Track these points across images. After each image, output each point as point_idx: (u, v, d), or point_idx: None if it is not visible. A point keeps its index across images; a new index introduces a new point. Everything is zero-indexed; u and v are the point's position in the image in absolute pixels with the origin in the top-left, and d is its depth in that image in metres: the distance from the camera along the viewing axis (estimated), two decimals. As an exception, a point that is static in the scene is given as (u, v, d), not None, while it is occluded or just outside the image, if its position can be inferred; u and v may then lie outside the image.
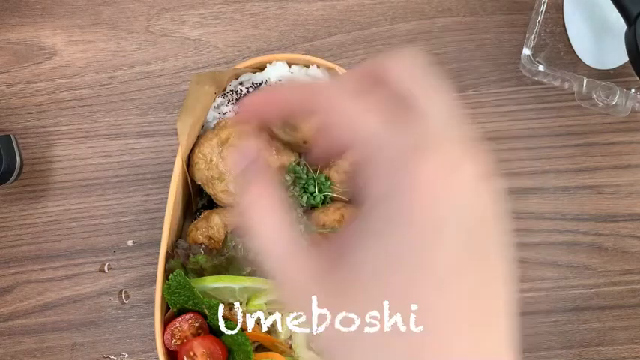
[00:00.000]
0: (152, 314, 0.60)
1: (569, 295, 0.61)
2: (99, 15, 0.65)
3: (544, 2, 0.60)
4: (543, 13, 0.60)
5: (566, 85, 0.60)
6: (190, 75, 0.64)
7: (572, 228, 0.62)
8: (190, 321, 0.50)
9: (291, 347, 0.50)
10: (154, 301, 0.60)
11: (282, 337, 0.50)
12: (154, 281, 0.60)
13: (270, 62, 0.54)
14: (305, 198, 0.52)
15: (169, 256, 0.52)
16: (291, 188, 0.53)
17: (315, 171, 0.54)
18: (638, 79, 0.57)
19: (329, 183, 0.53)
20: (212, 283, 0.50)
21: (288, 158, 0.54)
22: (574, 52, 0.62)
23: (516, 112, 0.63)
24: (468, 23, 0.64)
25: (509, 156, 0.62)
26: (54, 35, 0.64)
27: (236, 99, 0.55)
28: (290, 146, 0.53)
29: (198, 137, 0.55)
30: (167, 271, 0.51)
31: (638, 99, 0.58)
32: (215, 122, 0.55)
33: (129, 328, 0.61)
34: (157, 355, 0.51)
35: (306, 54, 0.63)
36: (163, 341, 0.50)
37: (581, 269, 0.61)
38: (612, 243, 0.61)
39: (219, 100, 0.55)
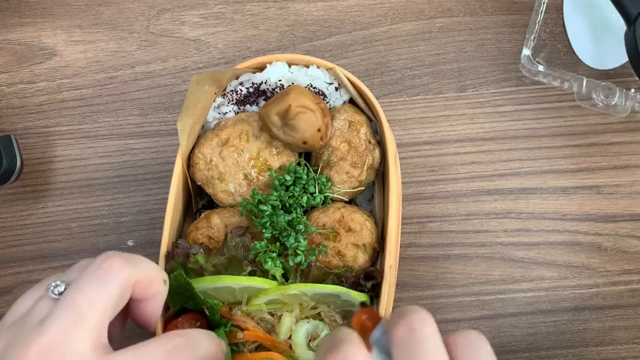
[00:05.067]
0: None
1: (569, 295, 0.61)
2: (99, 15, 0.65)
3: (544, 2, 0.60)
4: (543, 13, 0.60)
5: (566, 85, 0.60)
6: (190, 75, 0.64)
7: (572, 228, 0.62)
8: (191, 321, 0.50)
9: (291, 347, 0.50)
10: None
11: (282, 337, 0.50)
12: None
13: (270, 62, 0.54)
14: (305, 198, 0.52)
15: (169, 256, 0.52)
16: (292, 188, 0.53)
17: (315, 171, 0.54)
18: (637, 79, 0.57)
19: (329, 184, 0.53)
20: (212, 283, 0.50)
21: (289, 158, 0.54)
22: (574, 52, 0.62)
23: (516, 112, 0.63)
24: (467, 23, 0.64)
25: (509, 156, 0.63)
26: (54, 35, 0.64)
27: (236, 99, 0.55)
28: (290, 146, 0.53)
29: (199, 137, 0.55)
30: (167, 271, 0.51)
31: (637, 99, 0.58)
32: (215, 122, 0.55)
33: (129, 328, 0.61)
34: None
35: (306, 54, 0.63)
36: None
37: (580, 269, 0.61)
38: (612, 243, 0.62)
39: (219, 100, 0.55)
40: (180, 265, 0.51)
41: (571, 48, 0.62)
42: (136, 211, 0.62)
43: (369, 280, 0.51)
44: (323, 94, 0.54)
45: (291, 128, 0.51)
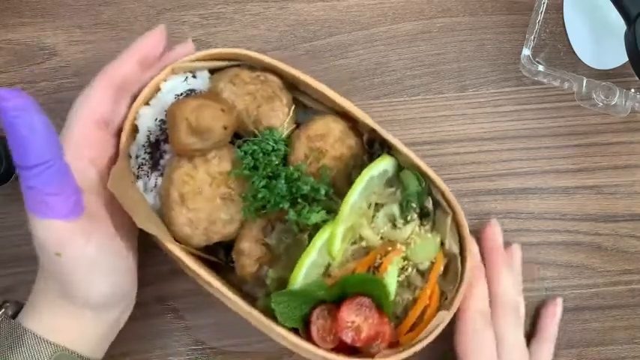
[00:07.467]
0: (152, 315, 0.60)
1: (569, 295, 0.61)
2: (99, 15, 0.65)
3: (544, 3, 0.60)
4: (543, 13, 0.60)
5: (566, 85, 0.60)
6: (190, 75, 0.63)
7: (572, 228, 0.62)
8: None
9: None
10: (153, 302, 0.60)
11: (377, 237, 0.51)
12: (154, 281, 0.60)
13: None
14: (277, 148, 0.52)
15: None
16: (258, 157, 0.52)
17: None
18: (637, 79, 0.57)
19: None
20: (296, 281, 0.49)
21: (229, 153, 0.52)
22: (574, 52, 0.62)
23: (516, 112, 0.63)
24: (467, 23, 0.64)
25: (509, 156, 0.63)
26: (54, 35, 0.64)
27: (148, 162, 0.53)
28: (219, 144, 0.51)
29: (162, 217, 0.52)
30: (261, 311, 0.50)
31: (637, 99, 0.58)
32: (154, 195, 0.53)
33: (129, 327, 0.61)
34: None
35: (305, 54, 0.63)
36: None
37: (581, 269, 0.61)
38: (612, 243, 0.62)
39: (139, 184, 0.53)
40: (265, 297, 0.50)
41: (571, 48, 0.62)
42: (136, 211, 0.62)
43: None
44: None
45: (203, 130, 0.49)
